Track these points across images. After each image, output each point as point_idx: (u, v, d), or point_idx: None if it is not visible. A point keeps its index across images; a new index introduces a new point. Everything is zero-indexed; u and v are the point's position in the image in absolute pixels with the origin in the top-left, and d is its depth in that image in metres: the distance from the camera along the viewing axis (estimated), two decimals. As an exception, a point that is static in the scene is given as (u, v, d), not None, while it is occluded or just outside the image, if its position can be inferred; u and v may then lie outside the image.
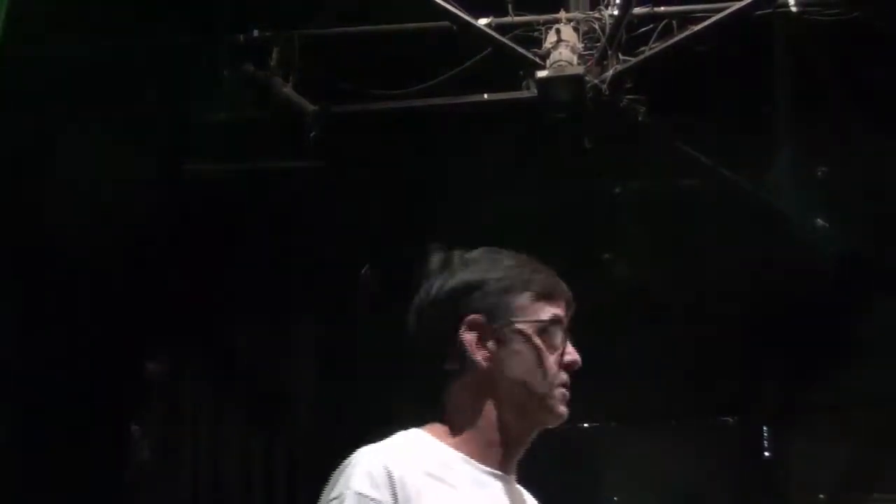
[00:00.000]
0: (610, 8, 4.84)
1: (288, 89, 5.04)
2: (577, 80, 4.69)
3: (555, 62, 4.70)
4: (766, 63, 4.98)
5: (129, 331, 5.77)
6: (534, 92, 4.82)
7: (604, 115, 4.87)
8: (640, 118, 4.96)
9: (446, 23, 4.88)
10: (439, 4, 4.75)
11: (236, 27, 5.10)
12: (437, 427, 1.92)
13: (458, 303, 1.89)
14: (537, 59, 4.78)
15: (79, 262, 5.15)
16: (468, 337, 1.87)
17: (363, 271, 6.30)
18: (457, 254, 1.97)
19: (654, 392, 7.20)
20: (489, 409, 1.88)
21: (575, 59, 4.72)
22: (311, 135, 5.06)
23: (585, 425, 7.81)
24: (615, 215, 5.94)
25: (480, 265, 1.93)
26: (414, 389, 2.04)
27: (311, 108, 5.05)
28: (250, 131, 5.28)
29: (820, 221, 5.58)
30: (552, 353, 1.90)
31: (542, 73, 4.71)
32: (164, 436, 6.14)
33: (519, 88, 4.96)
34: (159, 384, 6.16)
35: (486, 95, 5.11)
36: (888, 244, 5.86)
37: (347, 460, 1.86)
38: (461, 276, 1.92)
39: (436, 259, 1.97)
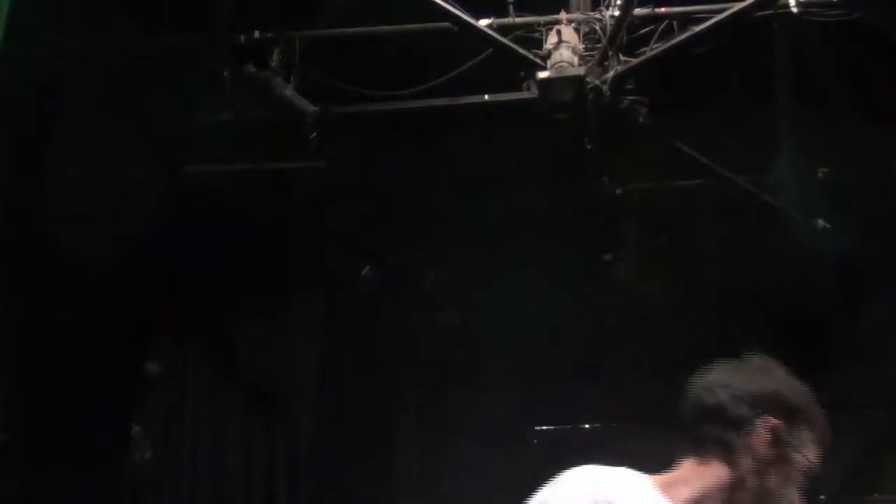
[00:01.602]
0: (611, 9, 4.83)
1: (288, 90, 5.04)
2: (577, 80, 4.69)
3: (556, 63, 4.70)
4: (766, 64, 4.98)
5: (131, 331, 5.78)
6: (535, 93, 4.81)
7: (605, 115, 4.87)
8: (640, 119, 4.96)
9: (447, 24, 4.87)
10: (440, 5, 4.75)
11: (237, 28, 5.10)
12: (664, 478, 2.21)
13: (765, 404, 2.20)
14: (538, 60, 4.78)
15: (79, 262, 5.15)
16: (763, 436, 2.18)
17: (363, 272, 6.30)
18: (759, 358, 2.30)
19: (653, 392, 7.20)
20: (719, 490, 2.18)
21: (576, 60, 4.72)
22: (312, 135, 5.05)
23: (586, 425, 7.83)
24: (616, 216, 5.94)
25: (784, 381, 2.25)
26: (673, 437, 2.29)
27: (311, 108, 5.05)
28: (251, 132, 5.28)
29: (820, 222, 5.58)
30: (799, 489, 2.20)
31: (542, 74, 4.70)
32: (166, 436, 6.14)
33: (520, 89, 4.96)
34: (161, 384, 6.16)
35: (486, 96, 5.11)
36: (888, 244, 5.87)
37: (565, 475, 2.16)
38: (774, 384, 2.24)
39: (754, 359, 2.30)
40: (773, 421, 2.19)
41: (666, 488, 2.18)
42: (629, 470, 2.19)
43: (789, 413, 2.21)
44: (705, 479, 2.20)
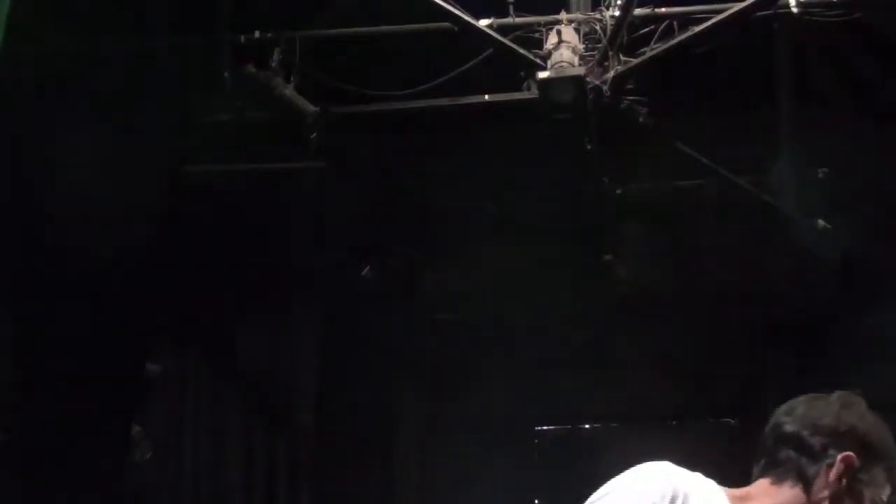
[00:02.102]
0: (611, 9, 4.84)
1: (289, 90, 5.03)
2: (578, 81, 4.69)
3: (556, 63, 4.70)
4: (766, 64, 4.98)
5: (131, 331, 5.78)
6: (535, 93, 4.81)
7: (605, 116, 4.87)
8: (640, 119, 4.95)
9: (447, 24, 4.87)
10: (440, 5, 4.75)
11: (237, 28, 5.10)
12: (734, 492, 2.28)
13: (842, 437, 2.27)
14: (538, 60, 4.78)
15: (80, 263, 5.15)
16: (840, 468, 2.25)
17: (363, 272, 6.30)
18: (846, 394, 2.37)
19: (654, 392, 7.21)
20: None
21: (576, 60, 4.72)
22: (312, 136, 5.05)
23: (586, 426, 7.84)
24: (616, 216, 5.94)
25: (867, 420, 2.31)
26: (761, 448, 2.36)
27: (311, 108, 5.05)
28: (251, 132, 5.28)
29: (821, 222, 5.58)
30: None
31: (543, 74, 4.70)
32: (166, 436, 6.14)
33: (520, 89, 4.96)
34: (161, 384, 6.16)
35: (486, 96, 5.11)
36: (888, 244, 5.87)
37: (645, 466, 2.22)
38: (856, 421, 2.30)
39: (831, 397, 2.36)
40: (848, 455, 2.26)
41: (736, 500, 2.27)
42: (700, 474, 2.25)
43: (865, 449, 2.28)
44: (775, 500, 2.29)
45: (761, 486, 2.32)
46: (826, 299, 6.21)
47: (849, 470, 2.25)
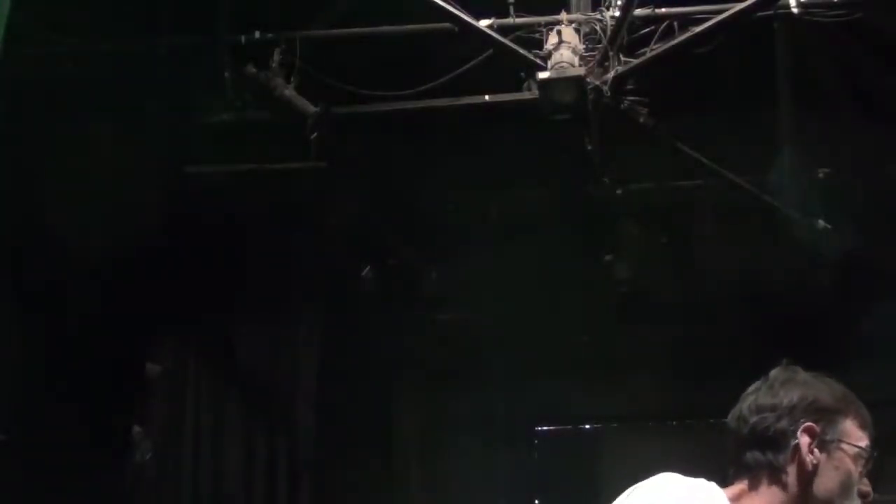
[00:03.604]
0: (611, 9, 4.83)
1: (289, 91, 5.03)
2: (578, 81, 4.69)
3: (556, 63, 4.70)
4: (767, 64, 4.98)
5: (131, 331, 5.78)
6: (535, 93, 4.81)
7: (605, 116, 4.87)
8: (641, 119, 4.96)
9: (448, 24, 4.87)
10: (440, 6, 4.74)
11: (238, 28, 5.10)
12: (734, 490, 2.25)
13: (795, 413, 2.24)
14: (538, 61, 4.78)
15: (80, 263, 5.15)
16: (805, 441, 2.21)
17: (364, 272, 6.30)
18: (781, 370, 2.34)
19: (654, 392, 7.22)
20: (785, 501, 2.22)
21: (576, 61, 4.72)
22: (313, 136, 5.05)
23: (586, 426, 7.84)
24: (616, 216, 5.94)
25: (811, 384, 2.28)
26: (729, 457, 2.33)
27: (312, 109, 5.05)
28: (252, 132, 5.28)
29: (821, 222, 5.58)
30: (858, 479, 2.23)
31: (543, 75, 4.70)
32: (166, 437, 6.14)
33: (520, 90, 4.96)
34: (161, 384, 6.16)
35: (487, 97, 5.10)
36: (888, 244, 5.87)
37: (652, 482, 2.20)
38: (800, 391, 2.27)
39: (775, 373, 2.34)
40: (807, 425, 2.22)
41: (738, 500, 2.24)
42: (703, 480, 2.22)
43: (820, 413, 2.24)
44: (764, 500, 2.24)
45: (742, 489, 2.27)
46: (826, 299, 6.21)
47: (813, 438, 2.21)
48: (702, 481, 2.22)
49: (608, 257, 6.08)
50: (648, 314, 6.62)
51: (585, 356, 7.06)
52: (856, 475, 2.22)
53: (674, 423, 7.69)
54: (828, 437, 2.22)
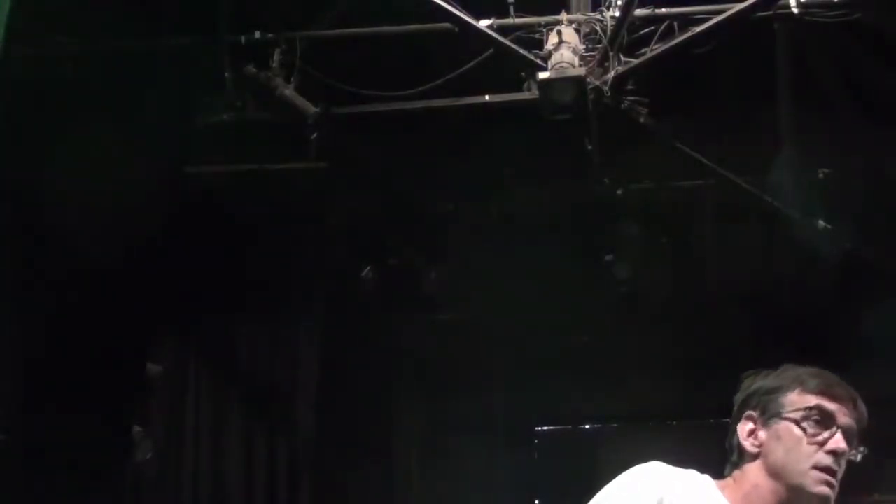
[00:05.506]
0: (611, 9, 4.84)
1: (289, 91, 5.04)
2: (578, 81, 4.69)
3: (556, 64, 4.70)
4: (767, 64, 4.99)
5: (132, 331, 5.78)
6: (535, 93, 4.81)
7: (605, 116, 4.88)
8: (641, 119, 4.96)
9: (448, 24, 4.87)
10: (440, 6, 4.75)
11: (238, 28, 5.10)
12: (724, 482, 2.40)
13: (744, 404, 2.44)
14: (538, 61, 4.78)
15: (80, 263, 5.15)
16: (742, 429, 2.40)
17: (364, 272, 6.30)
18: (751, 373, 2.50)
19: (653, 392, 7.22)
20: (756, 485, 2.35)
21: (576, 61, 4.72)
22: (313, 136, 5.05)
23: (586, 426, 7.84)
24: (616, 216, 5.94)
25: (770, 376, 2.45)
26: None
27: (312, 109, 5.05)
28: (252, 133, 5.28)
29: (821, 222, 5.58)
30: (811, 439, 2.31)
31: (543, 75, 4.70)
32: (166, 437, 6.14)
33: (520, 90, 4.96)
34: (161, 384, 6.16)
35: (487, 97, 5.11)
36: (888, 244, 5.87)
37: (635, 470, 2.34)
38: (746, 389, 2.45)
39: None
40: (745, 415, 2.41)
41: (723, 488, 2.37)
42: (693, 471, 2.37)
43: (760, 396, 2.40)
44: (739, 483, 2.38)
45: (729, 482, 2.42)
46: (826, 299, 6.21)
47: (754, 424, 2.38)
48: (693, 471, 2.37)
49: (608, 257, 6.08)
50: (649, 314, 6.62)
51: (585, 356, 7.06)
52: (806, 436, 2.31)
53: (674, 423, 7.69)
54: (767, 416, 2.36)
